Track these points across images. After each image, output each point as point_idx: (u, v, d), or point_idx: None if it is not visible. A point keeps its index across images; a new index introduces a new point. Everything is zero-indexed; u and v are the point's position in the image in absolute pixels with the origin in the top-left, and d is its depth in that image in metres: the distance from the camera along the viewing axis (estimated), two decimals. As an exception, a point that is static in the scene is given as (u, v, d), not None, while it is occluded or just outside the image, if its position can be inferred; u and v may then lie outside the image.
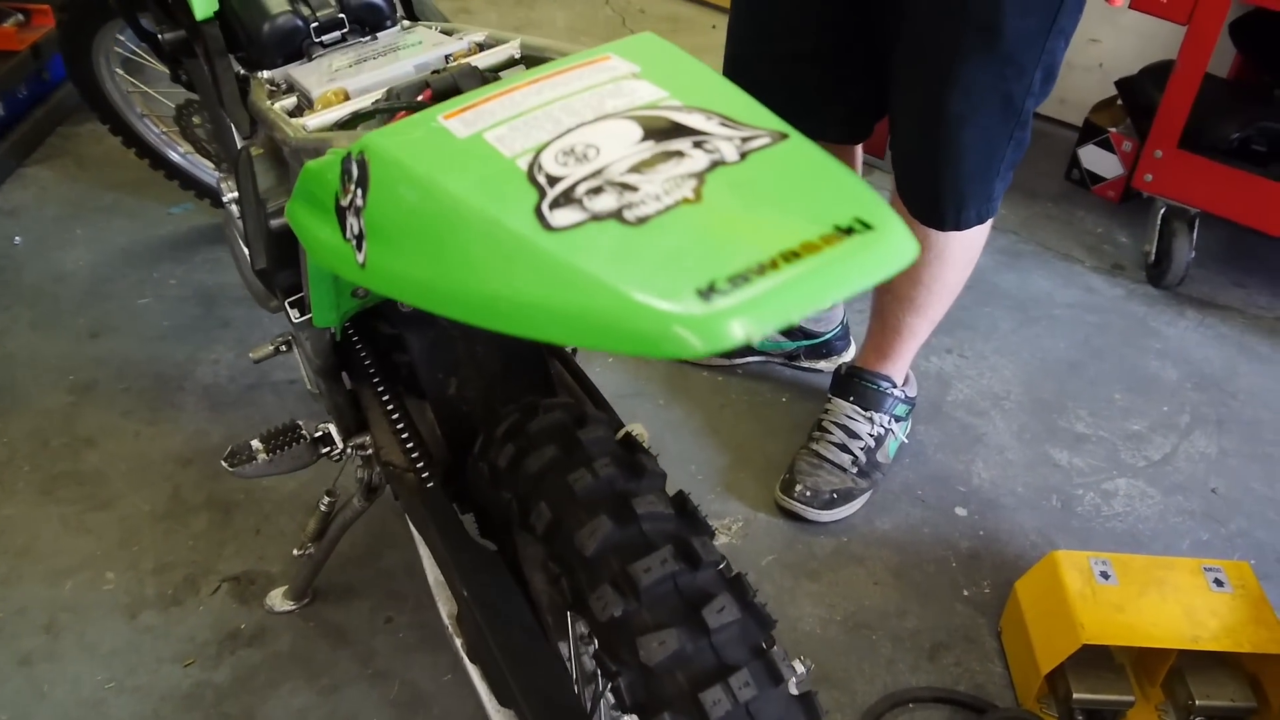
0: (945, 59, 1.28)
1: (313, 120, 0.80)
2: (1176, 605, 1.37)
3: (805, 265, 0.42)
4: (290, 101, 0.88)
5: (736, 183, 0.47)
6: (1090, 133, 2.59)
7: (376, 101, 0.80)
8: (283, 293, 0.97)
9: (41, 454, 1.79)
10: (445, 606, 1.10)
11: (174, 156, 2.19)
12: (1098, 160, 2.60)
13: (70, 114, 2.76)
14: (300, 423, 1.33)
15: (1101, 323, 2.19)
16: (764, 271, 0.41)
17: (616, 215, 0.46)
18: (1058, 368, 2.07)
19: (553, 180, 0.49)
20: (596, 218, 0.46)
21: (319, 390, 1.38)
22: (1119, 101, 2.59)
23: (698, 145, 0.50)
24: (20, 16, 2.67)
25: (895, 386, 1.73)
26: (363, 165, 0.57)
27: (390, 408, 1.16)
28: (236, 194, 1.25)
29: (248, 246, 1.07)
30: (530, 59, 0.84)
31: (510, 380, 1.10)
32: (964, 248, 1.54)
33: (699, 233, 0.44)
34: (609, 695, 1.18)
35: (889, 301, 1.65)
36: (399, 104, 0.76)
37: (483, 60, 0.84)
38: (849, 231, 0.43)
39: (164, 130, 2.19)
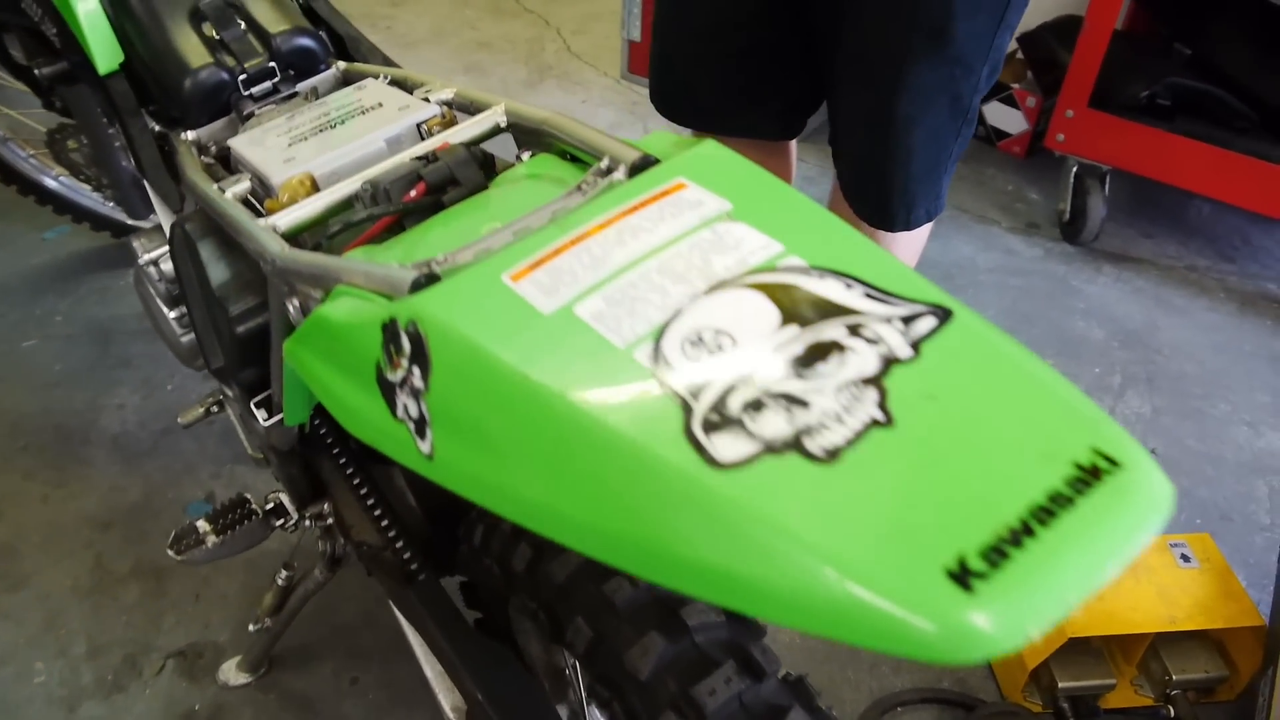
0: (893, 63, 1.23)
1: (283, 219, 0.70)
2: (1150, 587, 1.39)
3: (1064, 528, 0.35)
4: (242, 186, 0.77)
5: (925, 393, 0.40)
6: (994, 89, 2.60)
7: (359, 197, 0.69)
8: (245, 392, 0.87)
9: (-62, 532, 1.63)
10: (447, 699, 1.03)
11: (47, 182, 1.99)
12: (1002, 117, 2.61)
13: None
14: (248, 496, 1.23)
15: (1025, 286, 2.22)
16: (1019, 541, 0.35)
17: (796, 446, 0.39)
18: (991, 337, 2.07)
19: (692, 391, 0.41)
20: (772, 449, 0.39)
21: (264, 458, 1.27)
22: (1019, 55, 2.60)
23: (855, 332, 0.43)
24: None
25: None
26: (417, 340, 0.48)
27: (357, 482, 1.07)
28: (155, 257, 1.13)
29: (194, 332, 0.96)
30: (518, 128, 0.76)
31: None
32: (910, 246, 1.51)
33: (911, 476, 0.37)
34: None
35: None
36: (390, 208, 0.67)
37: (464, 132, 0.75)
38: (1094, 471, 0.37)
39: (32, 154, 1.99)
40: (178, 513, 1.66)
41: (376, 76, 0.93)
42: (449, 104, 0.83)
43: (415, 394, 0.49)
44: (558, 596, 0.77)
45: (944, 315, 0.44)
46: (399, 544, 1.04)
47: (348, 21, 1.03)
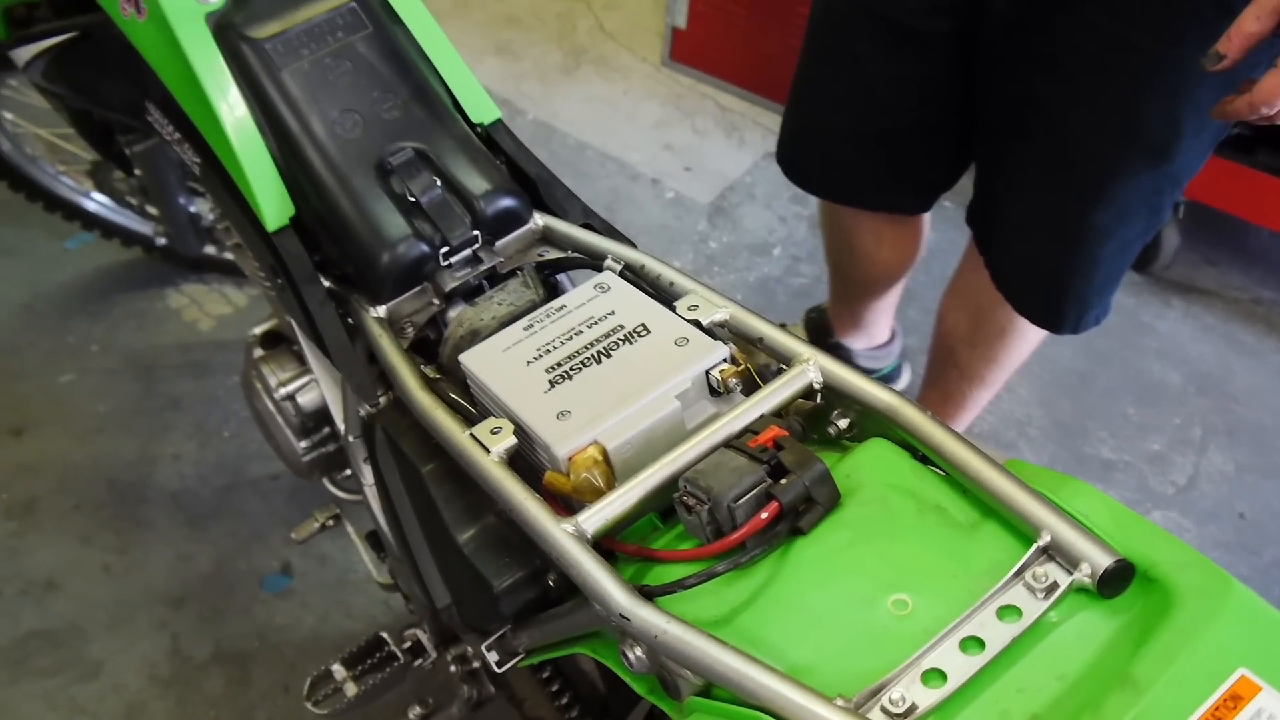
0: (1100, 174, 1.15)
1: (590, 521, 0.60)
2: None
3: None
4: (509, 444, 0.67)
5: None
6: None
7: (682, 501, 0.59)
8: (478, 635, 0.78)
9: (-5, 609, 1.52)
10: None
11: (82, 201, 1.83)
12: (1063, 127, 2.52)
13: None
14: (385, 636, 1.14)
15: (1097, 321, 2.16)
16: None
17: None
18: (1069, 379, 2.03)
19: None
20: None
21: (392, 582, 1.19)
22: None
23: None
24: None
25: None
26: None
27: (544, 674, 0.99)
28: (293, 391, 1.04)
29: (406, 560, 0.86)
30: (832, 390, 0.66)
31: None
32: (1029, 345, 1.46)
33: None
34: None
35: (955, 377, 1.55)
36: (733, 522, 0.57)
37: (774, 399, 0.66)
38: None
39: (62, 170, 1.82)
40: (253, 587, 1.56)
41: (599, 257, 0.83)
42: (723, 323, 0.73)
43: None
44: None
45: None
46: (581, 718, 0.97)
47: (538, 161, 0.92)
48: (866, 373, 1.70)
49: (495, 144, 0.93)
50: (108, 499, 1.66)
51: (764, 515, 0.58)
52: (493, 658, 0.77)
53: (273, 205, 0.85)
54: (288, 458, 1.16)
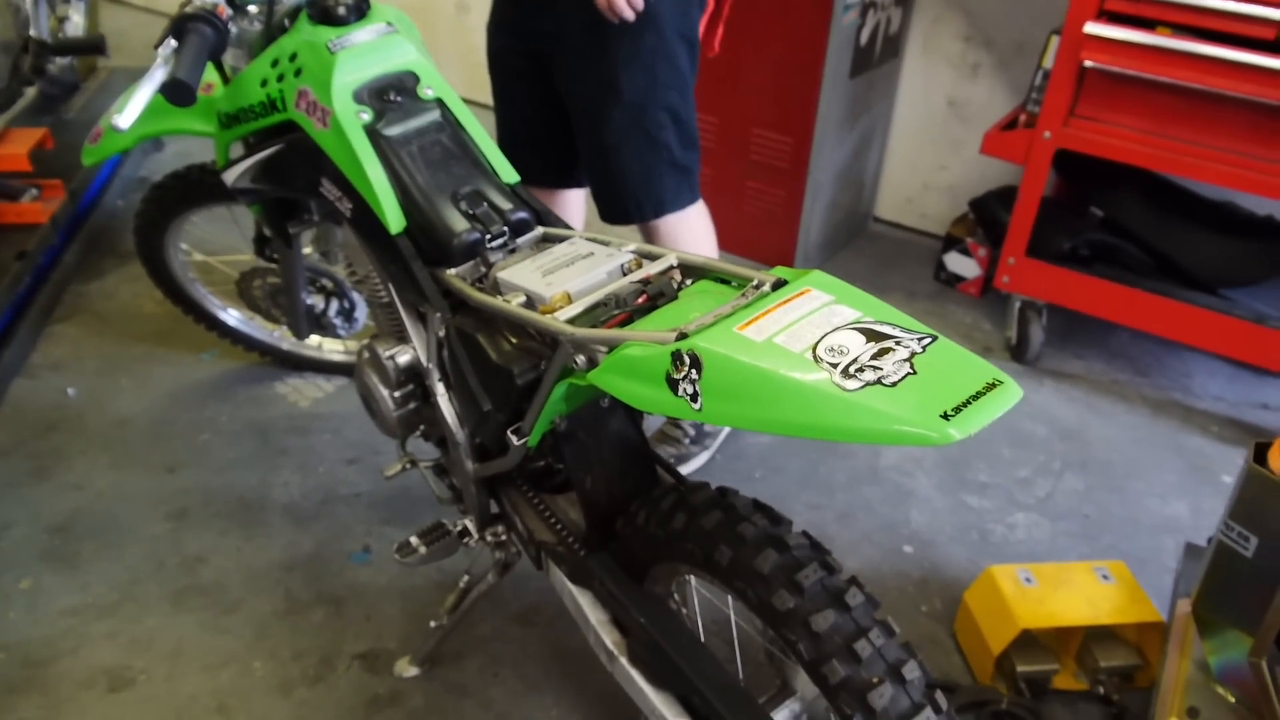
0: (595, 111, 1.99)
1: (563, 315, 1.25)
2: (1080, 595, 1.92)
3: (982, 401, 0.92)
4: (521, 299, 1.33)
5: (929, 364, 0.96)
6: (951, 243, 3.25)
7: (605, 303, 1.25)
8: (502, 426, 1.41)
9: (162, 573, 2.11)
10: (608, 637, 1.51)
11: (220, 314, 2.56)
12: (959, 264, 3.24)
13: (75, 274, 3.08)
14: (445, 521, 1.75)
15: (984, 395, 2.79)
16: (967, 404, 0.91)
17: (879, 382, 0.95)
18: (958, 433, 2.64)
19: (833, 365, 0.97)
20: (869, 384, 0.95)
21: (449, 495, 1.80)
22: (971, 216, 3.25)
23: (897, 343, 0.99)
24: (35, 191, 2.97)
25: None
26: (694, 357, 1.03)
27: (537, 502, 1.61)
28: (394, 353, 1.68)
29: (458, 399, 1.50)
30: (685, 266, 1.33)
31: (626, 475, 1.55)
32: (677, 234, 2.18)
33: (926, 389, 0.93)
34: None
35: None
36: (626, 307, 1.23)
37: (654, 269, 1.32)
38: (993, 385, 0.95)
39: (210, 290, 2.56)
40: (343, 559, 2.16)
41: (570, 238, 1.51)
42: (635, 252, 1.40)
43: (692, 382, 1.03)
44: (706, 537, 1.29)
45: (934, 338, 1.01)
46: (570, 539, 1.57)
47: (543, 204, 1.61)
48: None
49: (516, 193, 1.63)
50: (238, 508, 2.28)
51: (640, 301, 1.24)
52: (514, 439, 1.40)
53: (395, 220, 1.54)
54: (383, 414, 1.78)
